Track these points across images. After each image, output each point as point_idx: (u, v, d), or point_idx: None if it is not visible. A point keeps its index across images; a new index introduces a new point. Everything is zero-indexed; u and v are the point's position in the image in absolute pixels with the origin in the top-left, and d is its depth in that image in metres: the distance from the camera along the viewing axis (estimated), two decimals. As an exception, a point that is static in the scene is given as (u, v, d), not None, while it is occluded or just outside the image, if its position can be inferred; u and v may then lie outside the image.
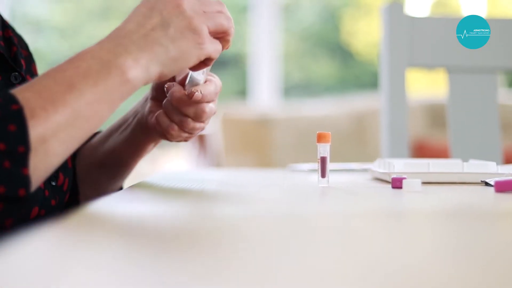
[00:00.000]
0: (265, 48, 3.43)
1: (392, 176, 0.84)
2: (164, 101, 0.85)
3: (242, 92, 3.60)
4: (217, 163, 2.74)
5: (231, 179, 0.96)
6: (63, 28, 3.73)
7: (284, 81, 3.52)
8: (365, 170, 1.18)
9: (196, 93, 0.82)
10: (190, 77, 0.83)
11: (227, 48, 0.79)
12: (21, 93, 0.67)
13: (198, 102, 0.83)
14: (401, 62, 1.37)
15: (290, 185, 0.92)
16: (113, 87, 0.69)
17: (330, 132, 0.84)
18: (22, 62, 0.85)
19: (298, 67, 3.81)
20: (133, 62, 0.70)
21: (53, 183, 0.84)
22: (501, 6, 3.84)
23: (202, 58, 0.75)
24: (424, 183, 0.85)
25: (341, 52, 3.86)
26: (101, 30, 3.75)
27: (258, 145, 2.88)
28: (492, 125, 1.38)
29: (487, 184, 0.87)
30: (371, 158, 1.57)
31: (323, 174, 0.84)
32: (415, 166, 0.92)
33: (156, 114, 0.86)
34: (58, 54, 3.62)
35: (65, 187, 0.87)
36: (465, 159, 1.05)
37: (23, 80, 0.82)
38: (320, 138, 0.84)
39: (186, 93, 0.82)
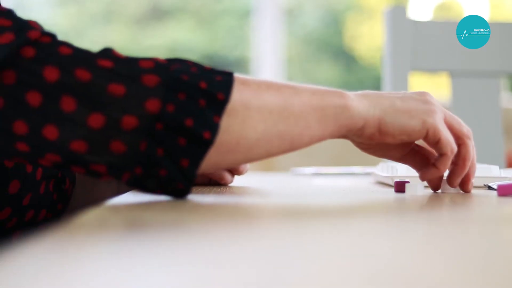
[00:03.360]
0: (268, 52, 3.43)
1: (395, 180, 0.84)
2: None
3: (245, 96, 3.59)
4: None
5: (234, 182, 0.96)
6: (66, 32, 3.73)
7: (287, 85, 3.52)
8: (368, 174, 1.18)
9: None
10: None
11: (462, 165, 0.77)
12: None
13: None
14: (404, 66, 1.37)
15: (293, 189, 0.92)
16: (330, 103, 0.69)
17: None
18: None
19: (301, 71, 3.81)
20: (355, 98, 0.71)
21: (62, 186, 0.85)
22: (504, 9, 3.84)
23: (427, 126, 0.73)
24: (426, 187, 0.85)
25: (344, 56, 3.86)
26: (105, 35, 3.75)
27: (261, 149, 2.88)
28: (495, 129, 1.38)
29: (490, 188, 0.87)
30: (374, 162, 1.57)
31: None
32: (418, 170, 0.92)
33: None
34: (61, 58, 3.62)
35: (69, 192, 0.87)
36: (468, 163, 1.05)
37: None
38: None
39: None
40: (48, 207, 0.83)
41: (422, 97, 0.74)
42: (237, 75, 0.67)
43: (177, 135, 0.63)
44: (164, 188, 0.65)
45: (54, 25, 3.74)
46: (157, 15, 3.81)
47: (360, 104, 0.71)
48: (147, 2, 3.80)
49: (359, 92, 0.74)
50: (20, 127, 0.62)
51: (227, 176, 0.91)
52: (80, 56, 0.63)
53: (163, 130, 0.62)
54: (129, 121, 0.62)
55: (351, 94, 0.72)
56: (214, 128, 0.63)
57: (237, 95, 0.65)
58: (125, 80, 0.62)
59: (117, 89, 0.62)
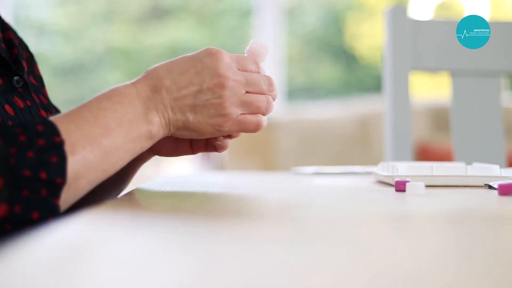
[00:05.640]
0: (269, 52, 3.43)
1: (396, 179, 0.84)
2: None
3: (245, 95, 3.59)
4: (220, 166, 2.74)
5: (235, 182, 0.96)
6: (66, 31, 3.73)
7: (288, 85, 3.52)
8: (368, 173, 1.18)
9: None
10: None
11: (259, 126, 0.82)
12: (63, 123, 0.70)
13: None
14: (405, 65, 1.37)
15: (294, 188, 0.92)
16: (139, 140, 0.75)
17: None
18: (24, 64, 0.85)
19: (302, 70, 3.81)
20: (158, 120, 0.76)
21: None
22: (504, 9, 3.84)
23: (216, 136, 0.81)
24: (427, 186, 0.85)
25: (344, 55, 3.86)
26: (105, 34, 3.75)
27: (262, 148, 2.88)
28: (495, 128, 1.38)
29: (490, 187, 0.87)
30: (374, 161, 1.57)
31: None
32: (419, 169, 0.92)
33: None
34: (62, 58, 3.63)
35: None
36: (468, 162, 1.05)
37: (25, 84, 0.82)
38: None
39: None
40: None
41: (219, 100, 0.78)
42: (66, 138, 0.68)
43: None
44: None
45: (55, 25, 3.75)
46: (158, 14, 3.81)
47: (161, 128, 0.77)
48: (147, 2, 3.80)
49: (159, 90, 0.77)
50: None
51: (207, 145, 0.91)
52: None
53: (11, 229, 0.65)
54: None
55: (155, 111, 0.76)
56: (56, 211, 0.68)
57: (70, 171, 0.68)
58: None
59: None
